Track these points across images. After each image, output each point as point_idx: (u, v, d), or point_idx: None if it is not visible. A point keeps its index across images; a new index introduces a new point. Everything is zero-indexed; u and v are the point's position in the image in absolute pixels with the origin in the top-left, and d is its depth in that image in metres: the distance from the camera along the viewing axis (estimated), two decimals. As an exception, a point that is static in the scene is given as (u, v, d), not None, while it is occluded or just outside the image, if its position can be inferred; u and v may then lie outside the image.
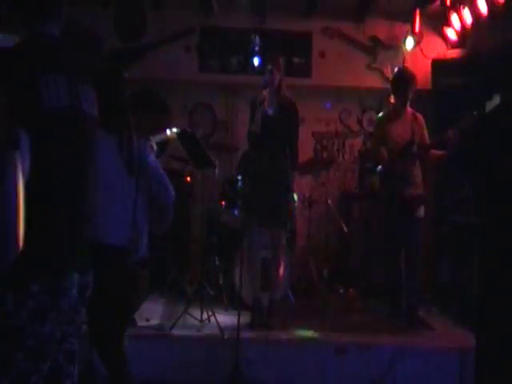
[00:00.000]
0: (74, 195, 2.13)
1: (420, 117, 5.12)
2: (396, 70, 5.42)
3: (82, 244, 2.16)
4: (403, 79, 5.06)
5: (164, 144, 5.04)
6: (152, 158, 3.36)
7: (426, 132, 5.10)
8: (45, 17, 2.16)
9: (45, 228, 2.01)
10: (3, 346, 1.93)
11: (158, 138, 4.97)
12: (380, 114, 5.31)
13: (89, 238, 2.22)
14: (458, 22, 6.02)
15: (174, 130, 5.16)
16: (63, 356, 2.13)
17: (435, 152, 4.95)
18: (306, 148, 6.54)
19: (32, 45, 2.11)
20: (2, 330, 1.92)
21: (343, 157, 6.92)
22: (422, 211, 5.05)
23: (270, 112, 4.76)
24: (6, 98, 1.94)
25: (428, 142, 5.05)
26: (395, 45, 6.49)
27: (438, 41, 6.44)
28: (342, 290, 5.83)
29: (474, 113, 4.47)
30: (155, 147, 4.39)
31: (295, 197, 5.32)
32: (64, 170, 2.10)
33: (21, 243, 1.80)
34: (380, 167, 5.10)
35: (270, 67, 4.78)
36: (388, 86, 5.26)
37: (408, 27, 6.35)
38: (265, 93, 4.77)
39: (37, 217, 1.95)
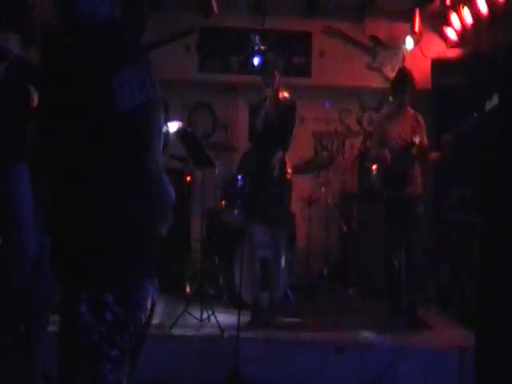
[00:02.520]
0: (152, 195, 2.03)
1: (420, 117, 5.13)
2: (396, 70, 5.43)
3: (153, 250, 2.05)
4: (403, 79, 5.06)
5: (165, 145, 5.02)
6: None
7: (425, 133, 5.11)
8: None
9: (122, 237, 1.89)
10: (88, 361, 1.86)
11: None
12: (379, 113, 5.32)
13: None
14: (458, 21, 6.02)
15: (173, 125, 5.15)
16: None
17: (432, 154, 4.98)
18: (305, 148, 6.55)
19: (98, 36, 1.89)
20: (85, 344, 1.85)
21: (343, 157, 6.92)
22: (421, 211, 5.06)
23: (271, 111, 4.78)
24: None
25: (427, 142, 5.06)
26: (395, 44, 6.49)
27: (438, 40, 6.44)
28: (341, 290, 5.84)
29: (474, 114, 4.48)
30: None
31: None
32: (147, 168, 1.98)
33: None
34: (374, 167, 5.12)
35: (269, 68, 4.80)
36: (388, 85, 5.27)
37: (408, 27, 6.35)
38: (266, 92, 4.78)
39: (114, 224, 1.87)
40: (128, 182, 1.92)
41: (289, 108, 4.87)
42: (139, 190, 1.95)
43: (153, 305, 2.04)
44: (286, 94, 4.91)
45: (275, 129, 4.78)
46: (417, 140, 4.92)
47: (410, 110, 5.12)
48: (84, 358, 1.85)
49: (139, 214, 1.94)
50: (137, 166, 1.93)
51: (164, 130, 4.94)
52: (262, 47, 5.78)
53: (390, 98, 5.17)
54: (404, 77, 5.09)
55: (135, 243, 1.93)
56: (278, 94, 4.85)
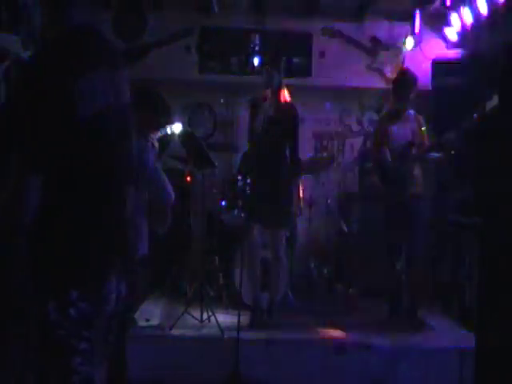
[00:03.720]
0: (117, 199, 2.10)
1: (420, 118, 5.13)
2: (398, 71, 5.43)
3: (121, 249, 2.12)
4: (405, 80, 5.07)
5: (165, 143, 5.03)
6: (151, 157, 3.35)
7: (425, 133, 5.11)
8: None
9: (86, 235, 1.97)
10: (58, 356, 1.93)
11: (158, 134, 4.97)
12: (380, 114, 5.33)
13: (128, 243, 2.20)
14: (458, 22, 6.01)
15: (175, 126, 5.16)
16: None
17: (432, 154, 4.98)
18: (305, 148, 6.55)
19: (62, 43, 1.97)
20: (54, 340, 1.92)
21: (343, 157, 6.91)
22: (422, 211, 5.06)
23: (271, 113, 4.76)
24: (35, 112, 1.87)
25: (427, 143, 5.07)
26: (395, 45, 6.48)
27: (438, 41, 6.44)
28: (341, 290, 5.83)
29: (475, 114, 4.48)
30: (156, 145, 4.41)
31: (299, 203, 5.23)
32: (109, 172, 2.05)
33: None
34: (372, 166, 5.13)
35: (268, 68, 4.79)
36: (388, 86, 5.27)
37: (408, 27, 6.35)
38: (266, 93, 4.78)
39: (80, 224, 1.94)
40: (88, 183, 1.98)
41: (289, 110, 4.85)
42: (101, 190, 2.02)
43: (120, 296, 2.10)
44: (287, 96, 4.88)
45: (275, 129, 4.77)
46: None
47: (411, 111, 5.12)
48: (54, 353, 1.93)
49: (102, 215, 2.02)
50: (99, 165, 2.00)
51: (165, 131, 4.95)
52: (258, 48, 5.79)
53: (391, 99, 5.17)
54: (405, 78, 5.09)
55: (98, 243, 2.00)
56: (278, 95, 4.83)
